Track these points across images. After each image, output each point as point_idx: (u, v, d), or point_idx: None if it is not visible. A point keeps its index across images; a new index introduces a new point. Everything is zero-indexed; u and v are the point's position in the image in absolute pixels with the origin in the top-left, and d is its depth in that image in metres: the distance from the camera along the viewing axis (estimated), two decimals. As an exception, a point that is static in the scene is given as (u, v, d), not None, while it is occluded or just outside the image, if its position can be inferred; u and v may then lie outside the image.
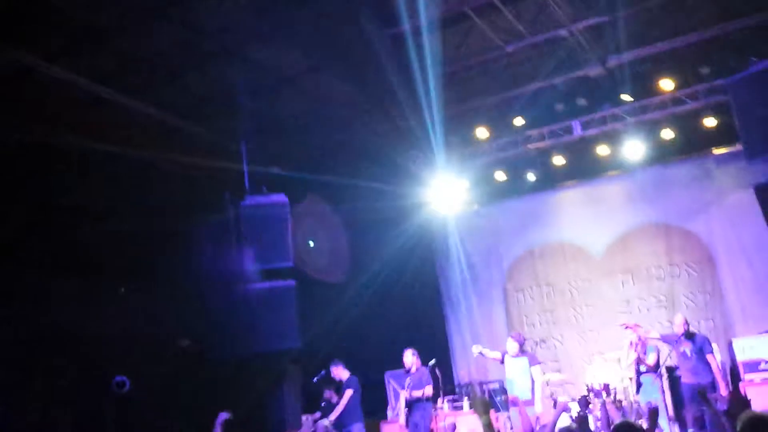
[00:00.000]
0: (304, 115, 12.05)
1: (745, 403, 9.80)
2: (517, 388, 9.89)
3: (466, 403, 11.83)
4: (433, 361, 10.68)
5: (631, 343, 9.85)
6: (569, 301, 12.92)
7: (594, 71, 11.14)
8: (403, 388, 9.80)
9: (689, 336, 9.49)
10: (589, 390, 10.08)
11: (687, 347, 9.41)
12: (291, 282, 10.67)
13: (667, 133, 11.71)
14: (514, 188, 13.27)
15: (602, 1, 9.77)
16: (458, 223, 13.81)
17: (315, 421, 10.21)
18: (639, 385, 9.75)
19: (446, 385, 11.83)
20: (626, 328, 9.98)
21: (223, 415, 7.80)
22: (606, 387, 10.00)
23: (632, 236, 12.58)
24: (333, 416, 9.68)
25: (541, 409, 9.90)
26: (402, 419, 9.74)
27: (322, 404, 10.24)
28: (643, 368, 9.78)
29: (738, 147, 10.51)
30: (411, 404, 9.65)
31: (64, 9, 8.26)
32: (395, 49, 10.51)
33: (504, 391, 10.39)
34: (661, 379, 9.84)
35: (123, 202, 10.43)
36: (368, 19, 9.78)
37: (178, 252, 10.82)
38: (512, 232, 13.53)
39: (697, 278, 11.98)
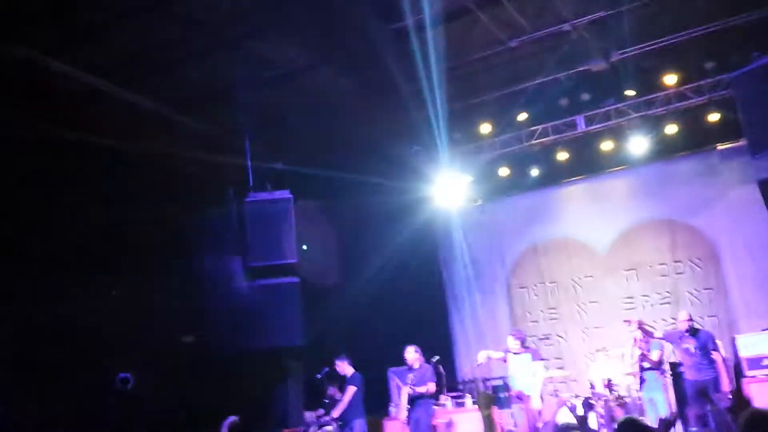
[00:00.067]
0: (307, 111, 12.03)
1: (748, 400, 9.79)
2: (520, 385, 9.88)
3: (468, 400, 11.82)
4: (436, 358, 10.69)
5: (635, 340, 9.83)
6: (573, 298, 12.88)
7: (598, 66, 11.10)
8: (405, 384, 9.79)
9: (693, 332, 9.46)
10: (591, 389, 10.08)
11: (691, 344, 9.38)
12: (295, 278, 10.69)
13: (671, 128, 11.68)
14: (518, 184, 13.25)
15: (606, -4, 9.75)
16: (461, 219, 13.77)
17: (318, 418, 10.21)
18: (642, 382, 9.72)
19: (449, 381, 11.83)
20: (629, 324, 9.98)
21: (231, 419, 7.79)
22: (609, 383, 9.99)
23: (636, 232, 12.54)
24: (336, 412, 9.68)
25: (540, 405, 9.89)
26: (403, 415, 9.73)
27: (326, 401, 10.25)
28: (646, 364, 9.76)
29: (742, 142, 10.48)
30: (413, 400, 9.65)
31: (64, 2, 8.27)
32: (398, 44, 10.49)
33: (507, 387, 10.37)
34: (664, 375, 9.82)
35: (125, 198, 10.41)
36: (371, 13, 9.76)
37: (182, 248, 10.84)
38: (516, 228, 13.50)
39: (701, 274, 11.92)
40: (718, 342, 9.71)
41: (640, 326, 9.75)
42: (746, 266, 11.45)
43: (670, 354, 9.72)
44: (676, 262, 12.15)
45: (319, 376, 10.25)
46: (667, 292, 12.07)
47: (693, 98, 11.25)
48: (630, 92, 11.64)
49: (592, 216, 12.88)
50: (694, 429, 8.93)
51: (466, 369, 12.91)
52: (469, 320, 13.53)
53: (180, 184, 10.99)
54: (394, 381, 11.57)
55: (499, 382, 11.14)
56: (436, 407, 10.29)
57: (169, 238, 10.80)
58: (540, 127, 12.29)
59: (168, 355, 10.57)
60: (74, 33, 8.93)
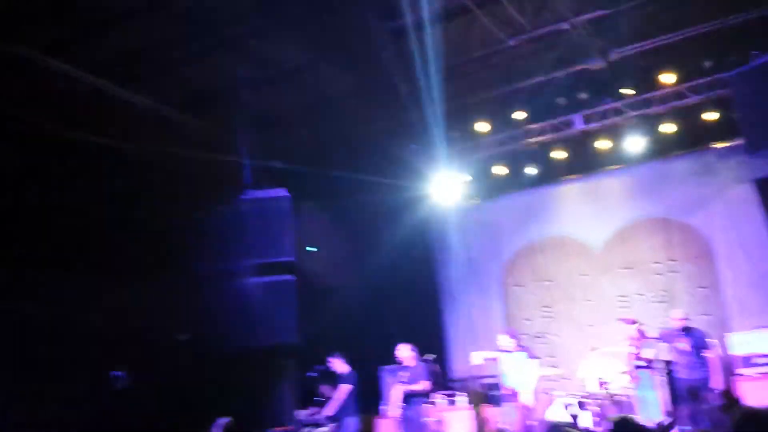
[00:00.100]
0: (304, 109, 12.04)
1: (740, 398, 9.81)
2: (513, 383, 9.89)
3: (461, 398, 11.83)
4: (432, 356, 10.70)
5: (629, 338, 9.84)
6: (568, 296, 12.91)
7: (595, 65, 11.09)
8: (398, 381, 9.78)
9: (687, 331, 9.47)
10: (583, 389, 10.10)
11: (684, 343, 9.39)
12: (291, 277, 10.68)
13: (668, 127, 11.68)
14: (515, 182, 13.25)
15: (604, -6, 9.75)
16: (458, 217, 13.79)
17: (310, 416, 10.21)
18: (635, 380, 9.73)
19: (443, 380, 11.84)
20: (627, 323, 10.00)
21: (223, 420, 7.78)
22: (602, 382, 10.01)
23: (632, 231, 12.57)
24: (329, 410, 9.68)
25: (533, 402, 9.90)
26: (395, 412, 9.73)
27: (319, 399, 10.25)
28: (640, 363, 9.77)
29: (738, 141, 10.48)
30: (406, 398, 9.64)
31: (64, 1, 8.26)
32: (396, 42, 10.49)
33: (500, 385, 10.37)
34: (657, 374, 9.83)
35: (122, 196, 10.41)
36: (369, 12, 9.76)
37: (178, 246, 10.83)
38: (512, 227, 13.52)
39: (696, 273, 11.95)
40: (712, 341, 9.73)
41: (635, 326, 9.78)
42: (740, 265, 11.48)
43: (664, 353, 9.72)
44: (670, 260, 12.19)
45: (312, 374, 10.25)
46: (662, 290, 12.10)
47: (690, 97, 11.26)
48: (627, 91, 11.64)
49: (588, 215, 12.91)
50: (687, 428, 8.93)
51: (460, 367, 12.93)
52: (464, 318, 13.55)
53: (177, 182, 10.99)
54: (387, 379, 11.58)
55: (493, 381, 11.16)
56: (428, 405, 10.28)
57: (166, 236, 10.79)
58: (537, 125, 12.30)
59: (163, 352, 10.57)
60: (73, 32, 8.94)
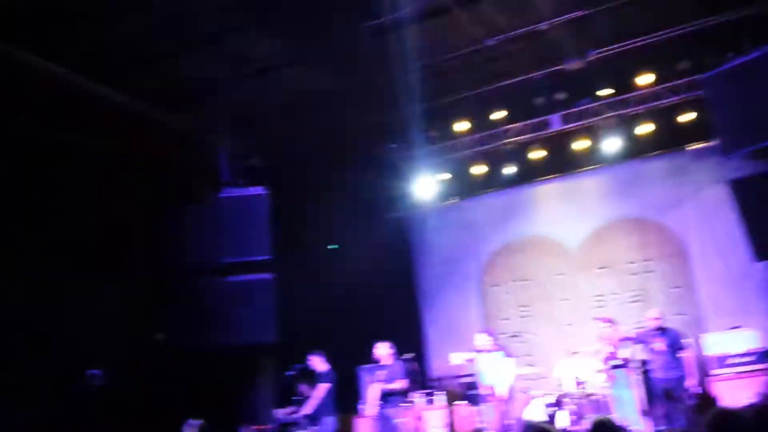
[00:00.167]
0: (283, 107, 11.99)
1: (714, 398, 9.91)
2: (491, 382, 9.92)
3: (438, 397, 11.85)
4: (410, 355, 10.70)
5: (604, 337, 9.90)
6: (545, 295, 12.96)
7: (573, 65, 11.15)
8: (376, 380, 9.77)
9: (662, 331, 9.54)
10: (560, 389, 10.14)
11: (659, 342, 9.46)
12: (268, 275, 10.65)
13: (645, 128, 11.76)
14: (493, 182, 13.28)
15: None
16: (436, 216, 13.84)
17: (288, 415, 10.17)
18: (611, 379, 9.79)
19: (421, 379, 11.84)
20: (602, 322, 10.07)
21: (194, 422, 7.71)
22: (578, 381, 10.06)
23: (608, 230, 12.65)
24: (307, 409, 9.66)
25: (509, 400, 9.94)
26: (372, 411, 9.72)
27: (297, 398, 10.21)
28: (616, 362, 9.82)
29: (714, 142, 10.58)
30: (383, 397, 9.63)
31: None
32: (375, 41, 10.47)
33: (478, 385, 10.40)
34: (632, 373, 9.89)
35: (97, 194, 10.31)
36: (349, 10, 9.73)
37: (154, 244, 10.75)
38: (490, 226, 13.55)
39: (670, 272, 12.06)
40: (687, 341, 9.81)
41: (610, 325, 9.85)
42: (715, 265, 11.59)
43: (639, 352, 9.79)
44: (646, 260, 12.28)
45: (290, 373, 10.21)
46: (637, 290, 12.19)
47: (667, 98, 11.35)
48: (605, 91, 11.71)
49: (565, 214, 12.97)
50: (662, 427, 9.00)
51: (437, 366, 12.94)
52: (443, 317, 13.57)
53: (154, 180, 10.91)
54: (365, 378, 11.56)
55: (471, 380, 11.18)
56: (405, 404, 10.28)
57: (142, 234, 10.71)
58: (516, 125, 12.34)
59: (139, 352, 10.49)
60: (47, 27, 8.82)
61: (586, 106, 11.87)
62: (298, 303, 11.82)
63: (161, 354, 10.55)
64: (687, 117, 11.45)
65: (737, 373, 10.30)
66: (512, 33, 10.29)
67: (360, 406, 11.56)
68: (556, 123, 12.08)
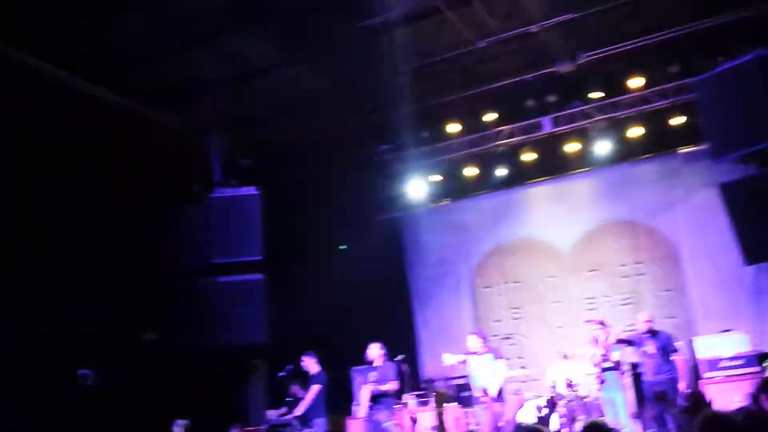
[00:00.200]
0: (275, 107, 11.99)
1: (705, 401, 9.94)
2: (482, 384, 9.92)
3: (430, 398, 11.85)
4: (401, 356, 10.69)
5: (596, 339, 9.93)
6: (536, 298, 12.98)
7: (564, 68, 11.19)
8: (367, 382, 9.76)
9: (653, 334, 9.56)
10: (552, 391, 10.16)
11: (650, 345, 9.48)
12: (260, 276, 10.62)
13: (636, 131, 11.81)
14: (485, 184, 13.30)
15: (574, -2, 9.82)
16: (428, 218, 13.84)
17: (280, 416, 10.17)
18: (602, 382, 9.81)
19: (412, 380, 11.84)
20: (592, 323, 10.10)
21: (181, 422, 7.70)
22: (569, 383, 10.08)
23: (599, 233, 12.69)
24: (299, 410, 9.65)
25: (500, 401, 9.94)
26: (363, 413, 9.71)
27: (289, 399, 10.21)
28: (607, 365, 9.85)
29: (704, 146, 10.62)
30: (374, 399, 9.62)
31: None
32: (367, 42, 10.48)
33: (470, 387, 10.41)
34: (624, 376, 9.93)
35: (89, 193, 10.28)
36: (341, 11, 9.74)
37: (146, 244, 10.72)
38: (481, 228, 13.57)
39: (661, 275, 12.10)
40: (678, 343, 9.85)
41: (601, 327, 9.87)
42: (706, 268, 11.64)
43: (630, 355, 9.82)
44: (637, 263, 12.32)
45: (282, 374, 10.20)
46: (628, 292, 12.23)
47: (657, 101, 11.40)
48: (596, 94, 11.75)
49: (556, 217, 13.00)
50: (652, 430, 9.03)
51: (429, 368, 12.95)
52: (435, 319, 13.58)
53: (146, 180, 10.88)
54: (357, 380, 11.55)
55: (462, 381, 11.20)
56: (397, 406, 10.28)
57: (134, 234, 10.68)
58: (507, 127, 12.37)
59: (130, 351, 10.46)
60: (41, 26, 8.79)
61: (577, 109, 11.91)
62: (290, 304, 11.82)
63: (153, 354, 10.53)
64: (677, 120, 11.50)
65: (727, 376, 10.34)
66: (503, 35, 10.31)
67: (353, 407, 11.56)
68: (547, 125, 12.11)
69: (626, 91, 11.56)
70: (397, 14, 9.54)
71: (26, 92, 9.25)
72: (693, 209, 11.83)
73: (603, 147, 11.97)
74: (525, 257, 13.21)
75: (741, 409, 5.20)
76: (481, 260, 13.60)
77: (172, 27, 9.51)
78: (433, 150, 12.82)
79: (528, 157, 12.60)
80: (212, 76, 10.46)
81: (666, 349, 9.34)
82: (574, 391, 10.04)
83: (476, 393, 9.94)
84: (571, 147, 12.34)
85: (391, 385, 9.64)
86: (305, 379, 9.95)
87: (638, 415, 9.59)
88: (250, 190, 10.81)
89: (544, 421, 10.16)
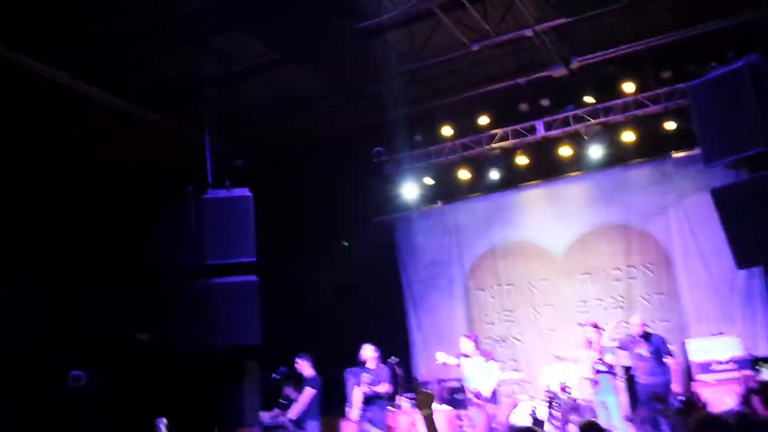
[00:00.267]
0: (269, 109, 12.00)
1: (699, 404, 9.98)
2: (475, 386, 9.95)
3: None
4: (395, 359, 10.70)
5: (589, 342, 9.97)
6: (529, 300, 12.98)
7: (558, 72, 11.23)
8: (360, 384, 9.75)
9: (646, 337, 9.61)
10: (546, 394, 10.18)
11: (643, 348, 9.53)
12: (253, 277, 10.62)
13: (628, 136, 11.85)
14: (478, 187, 13.32)
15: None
16: (421, 221, 13.86)
17: (273, 418, 10.15)
18: (595, 384, 9.85)
19: (406, 382, 11.85)
20: (585, 326, 10.14)
21: (161, 420, 7.68)
22: (563, 386, 10.11)
23: (592, 236, 12.70)
24: (292, 413, 9.63)
25: (496, 405, 9.96)
26: (356, 415, 9.71)
27: (282, 401, 10.19)
28: (600, 367, 9.89)
29: (696, 151, 10.68)
30: (368, 401, 9.62)
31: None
32: (362, 44, 10.52)
33: (464, 389, 10.42)
34: (617, 379, 9.97)
35: (82, 194, 10.25)
36: (336, 12, 9.77)
37: (139, 245, 10.70)
38: (475, 231, 13.57)
39: (654, 279, 12.13)
40: (671, 346, 9.90)
41: (595, 330, 9.91)
42: (698, 272, 11.67)
43: (624, 358, 9.86)
44: (629, 266, 12.33)
45: (276, 376, 10.18)
46: (621, 296, 12.24)
47: (650, 106, 11.46)
48: (589, 99, 11.81)
49: (549, 220, 13.01)
50: (645, 432, 9.08)
51: (423, 370, 12.96)
52: (427, 321, 13.59)
53: (138, 180, 10.86)
54: (350, 382, 11.54)
55: (456, 383, 11.21)
56: (390, 408, 10.28)
57: (126, 235, 10.66)
58: (500, 131, 12.41)
59: (122, 353, 10.43)
60: (34, 25, 8.78)
61: (570, 113, 11.96)
62: (284, 305, 11.82)
63: (145, 355, 10.51)
64: (670, 125, 11.55)
65: (719, 379, 10.39)
66: (498, 39, 10.35)
67: (346, 409, 11.55)
68: (540, 129, 12.16)
69: (619, 95, 11.61)
70: (393, 17, 9.57)
71: (26, 93, 9.22)
72: (685, 213, 11.86)
73: (596, 151, 12.02)
74: (518, 260, 13.22)
75: (734, 411, 5.23)
76: (474, 263, 13.61)
77: (166, 27, 9.52)
78: (426, 153, 12.85)
79: (521, 160, 12.65)
80: (205, 77, 10.47)
81: (659, 351, 9.39)
82: (567, 393, 10.06)
83: (470, 395, 9.97)
84: (565, 151, 12.37)
85: (384, 387, 9.65)
86: (298, 381, 9.93)
87: (631, 418, 9.63)
88: (244, 192, 10.80)
89: (537, 423, 10.17)
